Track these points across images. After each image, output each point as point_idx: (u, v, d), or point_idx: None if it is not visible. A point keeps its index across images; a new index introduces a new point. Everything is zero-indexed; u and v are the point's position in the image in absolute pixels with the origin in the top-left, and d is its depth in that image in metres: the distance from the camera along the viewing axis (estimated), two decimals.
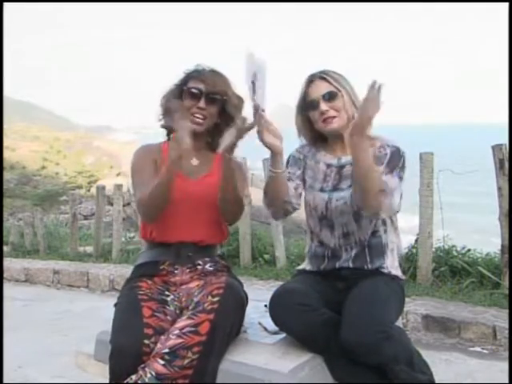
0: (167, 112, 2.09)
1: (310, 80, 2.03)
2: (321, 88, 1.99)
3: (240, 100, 2.10)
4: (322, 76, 2.01)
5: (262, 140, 1.79)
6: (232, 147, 1.86)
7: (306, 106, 2.03)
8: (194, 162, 2.12)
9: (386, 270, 2.00)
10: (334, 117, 1.98)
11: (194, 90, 2.04)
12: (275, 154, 1.83)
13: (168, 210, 2.00)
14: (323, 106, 1.97)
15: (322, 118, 1.99)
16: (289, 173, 2.06)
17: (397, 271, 2.05)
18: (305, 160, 2.11)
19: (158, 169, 2.04)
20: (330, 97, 1.97)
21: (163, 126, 2.17)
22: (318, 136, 2.10)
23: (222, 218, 2.07)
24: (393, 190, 1.85)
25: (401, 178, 1.92)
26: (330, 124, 1.99)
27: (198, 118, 2.05)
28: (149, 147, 2.16)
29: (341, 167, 2.03)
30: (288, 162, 2.12)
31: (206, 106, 2.04)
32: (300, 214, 2.25)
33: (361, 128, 1.73)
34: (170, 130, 2.15)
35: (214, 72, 2.10)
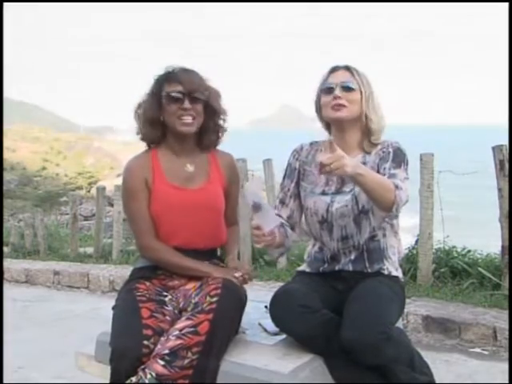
0: None
1: (335, 68, 2.00)
2: (342, 76, 1.96)
3: (218, 93, 2.08)
4: (348, 67, 1.98)
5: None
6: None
7: (321, 89, 1.99)
8: (189, 168, 2.08)
9: (385, 272, 2.01)
10: (345, 106, 1.93)
11: (174, 94, 1.99)
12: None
13: (168, 219, 2.02)
14: (338, 92, 1.93)
15: (333, 103, 1.93)
16: (285, 189, 2.08)
17: (397, 272, 2.05)
18: (302, 167, 2.08)
19: (149, 189, 2.02)
20: (349, 87, 1.93)
21: (143, 139, 2.11)
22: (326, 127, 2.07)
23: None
24: (403, 181, 1.84)
25: (406, 172, 1.92)
26: (338, 111, 1.93)
27: (187, 119, 2.00)
28: (138, 164, 2.07)
29: None
30: (286, 171, 2.11)
31: (191, 105, 2.00)
32: None
33: (333, 170, 1.67)
34: (150, 142, 2.11)
35: (186, 70, 2.05)
